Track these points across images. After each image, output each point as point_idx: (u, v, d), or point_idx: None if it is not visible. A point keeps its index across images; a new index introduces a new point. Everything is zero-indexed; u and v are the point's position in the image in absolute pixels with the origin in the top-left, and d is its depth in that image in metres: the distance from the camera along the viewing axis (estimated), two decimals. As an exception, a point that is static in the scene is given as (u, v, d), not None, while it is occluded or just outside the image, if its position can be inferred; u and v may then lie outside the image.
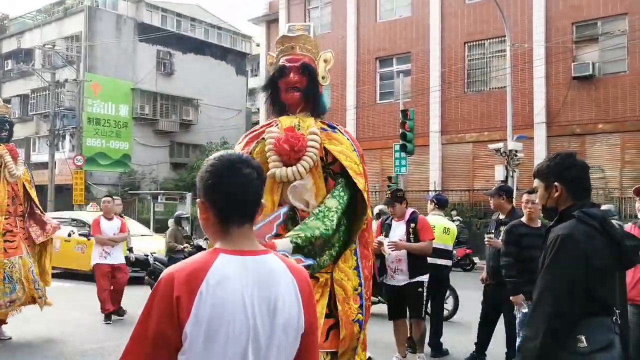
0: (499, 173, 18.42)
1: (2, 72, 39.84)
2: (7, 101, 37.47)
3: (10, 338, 7.89)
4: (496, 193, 6.65)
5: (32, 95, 36.10)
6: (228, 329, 1.63)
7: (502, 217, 6.61)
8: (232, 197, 1.75)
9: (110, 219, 9.66)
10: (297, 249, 3.40)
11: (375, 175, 23.35)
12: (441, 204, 7.76)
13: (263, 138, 3.96)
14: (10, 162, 7.95)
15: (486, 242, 6.54)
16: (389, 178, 19.70)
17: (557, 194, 2.81)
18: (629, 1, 19.19)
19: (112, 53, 34.08)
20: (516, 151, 18.16)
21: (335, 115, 24.96)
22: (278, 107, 4.11)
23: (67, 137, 33.49)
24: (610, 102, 19.63)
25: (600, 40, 20.16)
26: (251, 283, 1.68)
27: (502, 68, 20.45)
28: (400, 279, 6.54)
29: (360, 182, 3.88)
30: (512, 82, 19.07)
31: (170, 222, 11.96)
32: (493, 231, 6.61)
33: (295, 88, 3.96)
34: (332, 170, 3.97)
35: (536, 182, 2.93)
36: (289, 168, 3.85)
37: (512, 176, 18.01)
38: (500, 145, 18.20)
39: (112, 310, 9.24)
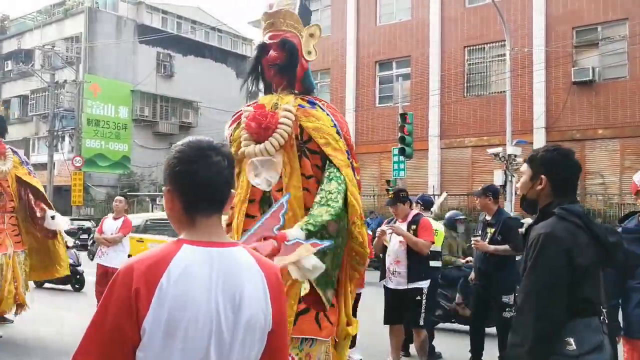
0: (498, 178, 18.33)
1: (2, 73, 39.90)
2: (6, 102, 38.01)
3: (1, 336, 7.81)
4: (482, 193, 6.51)
5: (32, 96, 36.11)
6: (189, 324, 1.54)
7: (488, 218, 6.48)
8: (200, 186, 1.65)
9: (117, 218, 9.48)
10: (310, 235, 3.26)
11: (374, 179, 23.29)
12: (427, 205, 7.64)
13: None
14: None
15: (473, 245, 6.42)
16: (388, 182, 19.60)
17: (540, 187, 2.71)
18: (629, 6, 19.15)
19: (112, 54, 34.09)
20: (515, 156, 18.10)
21: (335, 118, 24.90)
22: (265, 88, 4.04)
23: (67, 138, 33.53)
24: (610, 107, 19.57)
25: (600, 45, 20.11)
26: (216, 276, 1.59)
27: (502, 72, 20.40)
28: (398, 283, 6.30)
29: (337, 158, 3.76)
30: (511, 87, 19.00)
31: None
32: (480, 233, 6.50)
33: (275, 65, 3.88)
34: (307, 148, 3.84)
35: (524, 168, 2.82)
36: (257, 145, 3.75)
37: (511, 181, 17.94)
38: (499, 149, 18.14)
39: None
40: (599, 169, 19.68)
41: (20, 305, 7.96)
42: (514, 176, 17.95)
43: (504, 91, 19.44)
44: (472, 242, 6.41)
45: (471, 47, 22.47)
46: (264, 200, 3.81)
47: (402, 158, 18.76)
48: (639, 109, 19.09)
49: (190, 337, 1.54)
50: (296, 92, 4.03)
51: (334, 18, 26.09)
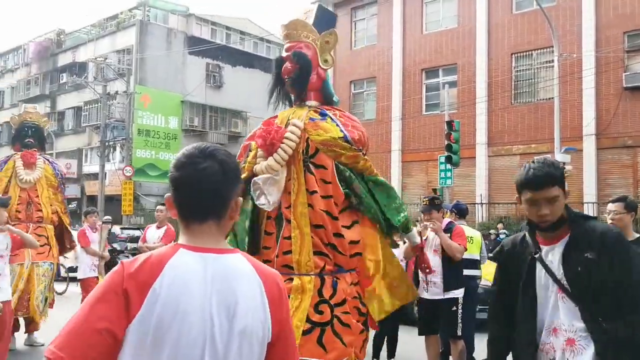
0: (547, 186, 18.05)
1: (58, 85, 40.90)
2: (61, 113, 39.06)
3: (43, 344, 7.77)
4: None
5: (85, 107, 36.97)
6: (181, 333, 1.47)
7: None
8: (186, 191, 1.64)
9: (159, 227, 9.36)
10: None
11: (421, 187, 23.20)
12: (461, 213, 7.49)
13: None
14: (20, 167, 7.80)
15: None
16: (434, 190, 19.44)
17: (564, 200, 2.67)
18: (683, 9, 18.66)
19: (162, 66, 34.74)
20: (564, 163, 17.79)
21: (381, 126, 24.96)
22: (290, 101, 4.04)
23: (118, 149, 34.21)
24: (664, 113, 19.06)
25: (653, 49, 19.63)
26: (210, 283, 1.54)
27: (550, 79, 20.09)
28: (433, 293, 6.19)
29: (359, 166, 3.88)
30: (560, 93, 18.70)
31: None
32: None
33: (289, 77, 3.93)
34: (313, 162, 3.79)
35: (555, 191, 2.66)
36: (262, 163, 3.76)
37: (561, 189, 17.63)
38: (547, 157, 17.82)
39: None
40: (652, 177, 19.18)
41: (32, 319, 7.81)
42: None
43: (552, 98, 19.13)
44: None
45: (518, 54, 22.20)
46: (279, 218, 3.77)
47: (448, 166, 18.64)
48: (695, 114, 18.57)
49: (183, 346, 1.48)
50: (312, 103, 4.00)
51: (380, 26, 26.14)
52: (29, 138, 8.12)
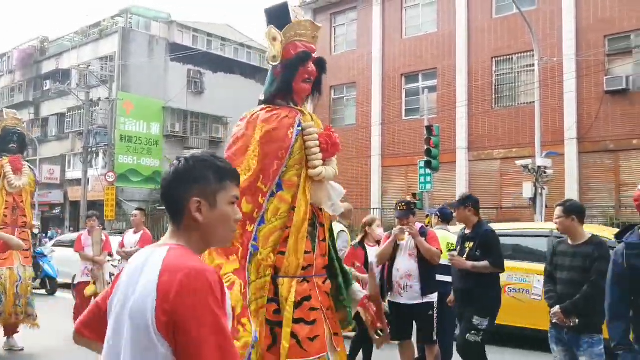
0: (528, 190, 17.92)
1: (42, 92, 41.09)
2: (45, 120, 38.96)
3: (22, 349, 7.87)
4: (461, 204, 5.99)
5: (68, 114, 37.00)
6: (110, 314, 1.83)
7: (467, 231, 6.01)
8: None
9: (136, 232, 9.51)
10: None
11: (401, 192, 23.00)
12: (445, 217, 7.44)
13: (299, 130, 3.66)
14: (10, 172, 7.94)
15: (450, 262, 5.97)
16: (414, 195, 19.33)
17: None
18: (663, 13, 18.61)
19: (144, 72, 34.74)
20: (545, 168, 17.67)
21: (361, 131, 24.82)
22: (282, 93, 3.82)
23: (100, 155, 34.16)
24: (646, 116, 18.96)
25: (634, 53, 19.55)
26: (131, 271, 1.75)
27: (531, 83, 19.99)
28: (410, 297, 6.11)
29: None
30: (541, 97, 18.59)
31: None
32: (458, 248, 6.03)
33: (310, 80, 3.80)
34: None
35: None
36: (329, 167, 3.68)
37: (541, 194, 17.51)
38: (528, 161, 17.74)
39: None
40: (634, 181, 18.99)
41: (28, 321, 7.98)
42: (544, 189, 17.52)
43: (533, 102, 19.02)
44: (449, 258, 5.95)
45: (499, 58, 22.10)
46: (311, 224, 3.68)
47: (428, 171, 18.48)
48: (675, 118, 18.49)
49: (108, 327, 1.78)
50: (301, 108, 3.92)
51: (359, 32, 26.03)
52: (12, 144, 8.24)
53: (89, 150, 31.56)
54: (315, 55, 3.80)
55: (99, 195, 30.36)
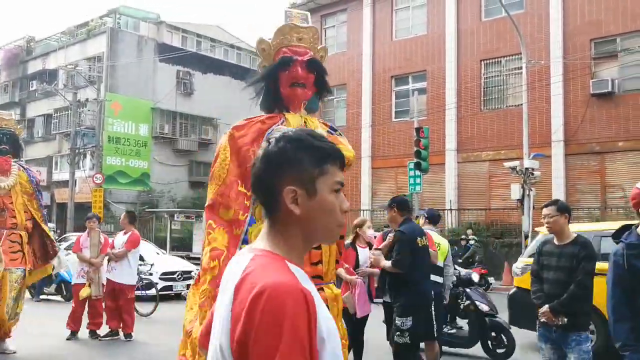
0: (515, 192, 18.09)
1: (27, 93, 40.66)
2: (31, 121, 38.62)
3: (15, 352, 7.80)
4: (388, 205, 6.20)
5: (55, 114, 36.68)
6: None
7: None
8: None
9: (126, 233, 9.61)
10: None
11: (391, 194, 23.09)
12: (433, 219, 7.49)
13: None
14: None
15: (371, 259, 6.08)
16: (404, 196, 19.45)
17: None
18: (648, 17, 18.83)
19: (133, 73, 34.55)
20: (533, 169, 17.82)
21: (351, 133, 24.84)
22: (272, 102, 3.81)
23: (88, 156, 33.93)
24: (631, 119, 19.18)
25: (619, 56, 19.79)
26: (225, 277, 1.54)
27: (519, 85, 20.17)
28: None
29: None
30: (528, 100, 18.78)
31: None
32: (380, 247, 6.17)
33: (301, 84, 3.74)
34: None
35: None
36: None
37: (529, 195, 17.66)
38: (516, 163, 17.89)
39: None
40: (619, 182, 19.26)
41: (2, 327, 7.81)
42: (531, 190, 17.68)
43: (521, 104, 19.22)
44: (370, 256, 6.07)
45: (487, 61, 22.30)
46: None
47: (418, 172, 18.60)
48: (660, 120, 18.71)
49: None
50: (303, 112, 3.87)
51: (350, 34, 26.14)
52: (3, 145, 8.09)
53: (77, 151, 31.33)
54: (302, 57, 3.73)
55: (87, 197, 30.16)
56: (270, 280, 1.33)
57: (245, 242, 3.45)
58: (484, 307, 7.68)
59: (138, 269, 11.98)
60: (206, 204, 3.62)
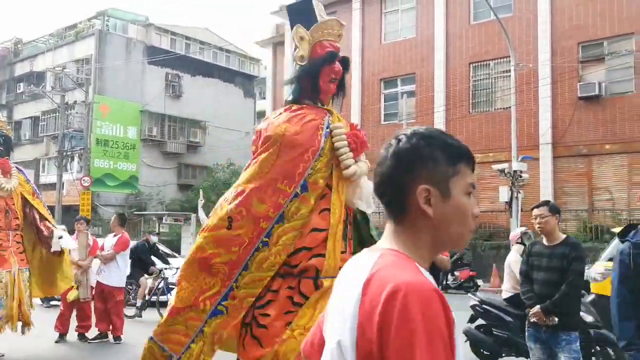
0: (504, 194, 18.19)
1: (15, 95, 40.47)
2: (18, 123, 38.39)
3: (3, 355, 7.80)
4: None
5: (43, 117, 36.56)
6: None
7: None
8: None
9: (115, 235, 9.62)
10: None
11: (380, 197, 23.17)
12: None
13: (328, 132, 3.66)
14: (0, 176, 7.80)
15: None
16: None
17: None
18: (635, 21, 19.01)
19: (121, 76, 34.45)
20: (521, 172, 17.94)
21: (340, 136, 24.89)
22: (308, 94, 3.82)
23: (76, 159, 33.73)
24: (618, 122, 19.36)
25: (606, 60, 19.97)
26: (342, 279, 1.50)
27: (507, 88, 20.29)
28: None
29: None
30: (517, 103, 18.89)
31: None
32: None
33: (336, 79, 3.80)
34: None
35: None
36: (361, 163, 3.71)
37: (517, 197, 17.77)
38: (504, 166, 18.00)
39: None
40: (606, 185, 19.44)
41: (26, 324, 7.84)
42: (519, 192, 17.79)
43: (510, 107, 19.33)
44: None
45: (476, 64, 22.42)
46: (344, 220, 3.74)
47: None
48: (647, 124, 18.89)
49: None
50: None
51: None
52: (0, 146, 8.08)
53: (64, 154, 31.17)
54: (339, 53, 3.81)
55: (74, 200, 29.96)
56: (405, 279, 1.27)
57: (269, 236, 3.50)
58: (588, 318, 6.49)
59: (164, 272, 11.96)
60: (242, 189, 3.62)
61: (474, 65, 22.48)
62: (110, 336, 9.20)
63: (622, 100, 19.40)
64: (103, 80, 34.13)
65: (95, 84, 33.31)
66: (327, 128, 3.65)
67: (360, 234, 4.17)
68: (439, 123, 22.50)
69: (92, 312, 9.33)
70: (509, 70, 19.75)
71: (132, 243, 12.21)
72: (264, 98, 41.19)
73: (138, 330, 9.87)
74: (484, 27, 22.02)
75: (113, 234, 9.71)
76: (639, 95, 19.13)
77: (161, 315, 9.83)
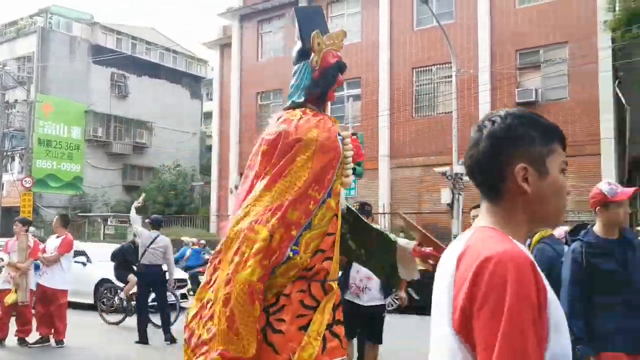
0: (446, 196, 18.66)
1: (-48, 93, 39.00)
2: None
3: None
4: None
5: (-18, 116, 35.37)
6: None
7: None
8: None
9: (58, 237, 9.42)
10: None
11: (326, 198, 23.44)
12: (365, 213, 7.60)
13: (341, 138, 3.71)
14: None
15: None
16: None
17: None
18: (569, 30, 19.81)
19: (65, 75, 33.78)
20: (462, 174, 18.44)
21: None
22: (313, 100, 3.82)
23: (16, 159, 32.91)
24: (553, 127, 20.08)
25: (542, 67, 20.77)
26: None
27: (449, 93, 20.85)
28: (371, 298, 6.21)
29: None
30: (458, 107, 19.42)
31: None
32: None
33: (336, 89, 3.93)
34: None
35: None
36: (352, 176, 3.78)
37: (458, 199, 18.27)
38: (446, 169, 18.46)
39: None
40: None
41: None
42: (460, 194, 18.30)
43: (451, 112, 19.85)
44: None
45: (419, 69, 22.95)
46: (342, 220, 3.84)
47: (352, 177, 18.90)
48: (580, 129, 19.65)
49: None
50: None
51: (286, 40, 26.30)
52: None
53: (4, 154, 30.40)
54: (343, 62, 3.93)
55: (15, 202, 29.21)
56: (498, 249, 1.32)
57: (297, 244, 3.41)
58: None
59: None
60: (279, 203, 3.44)
61: (417, 70, 23.01)
62: (53, 340, 9.07)
63: (556, 106, 20.18)
64: (46, 79, 33.40)
65: (38, 83, 32.58)
66: (339, 135, 3.72)
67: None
68: (384, 126, 22.95)
69: (33, 316, 9.23)
70: (451, 76, 20.28)
71: (117, 246, 12.19)
72: (211, 99, 41.00)
73: (82, 334, 9.84)
74: (427, 33, 22.56)
75: (55, 235, 9.48)
76: (572, 101, 19.95)
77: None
